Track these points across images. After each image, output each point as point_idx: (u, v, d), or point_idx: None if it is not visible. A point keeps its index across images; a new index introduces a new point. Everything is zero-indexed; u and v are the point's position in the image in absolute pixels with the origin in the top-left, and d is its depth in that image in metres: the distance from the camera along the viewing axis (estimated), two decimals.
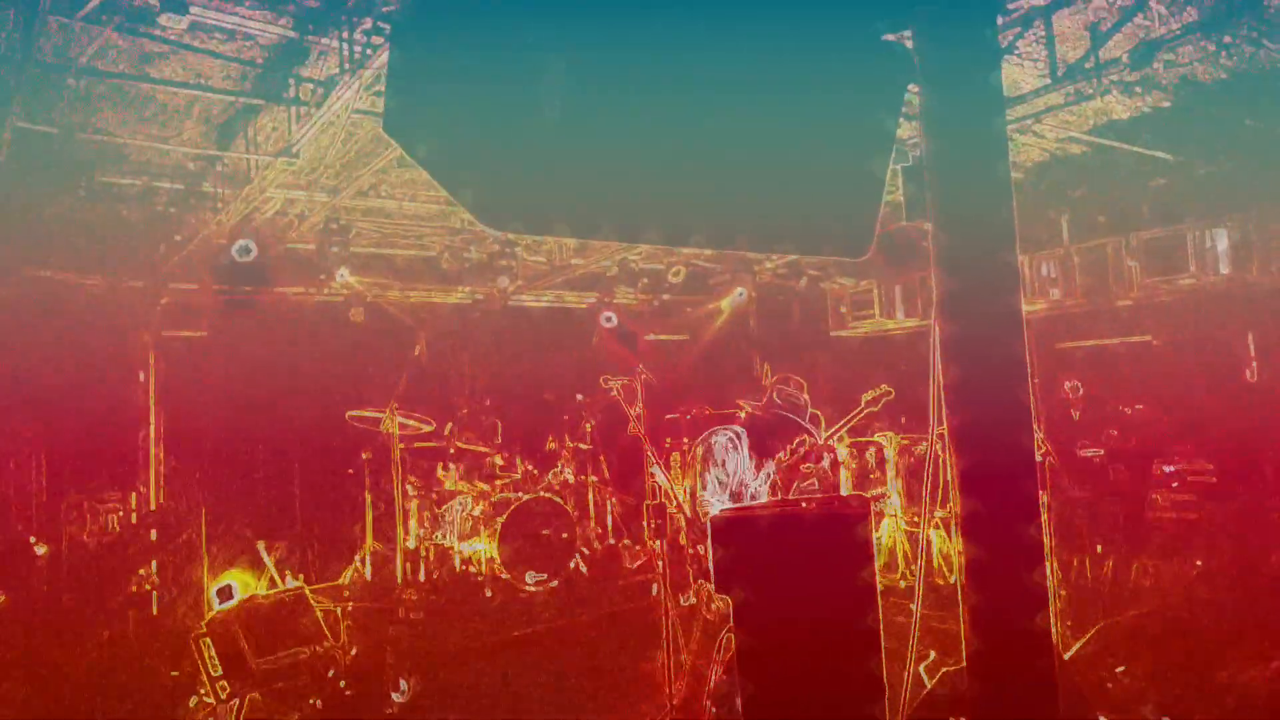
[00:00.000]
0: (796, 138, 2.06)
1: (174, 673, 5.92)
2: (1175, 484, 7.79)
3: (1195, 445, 8.00)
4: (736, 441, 6.08)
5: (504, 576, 7.77)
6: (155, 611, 7.53)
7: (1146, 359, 8.83)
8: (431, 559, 8.10)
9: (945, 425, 2.50)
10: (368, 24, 4.99)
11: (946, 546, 7.54)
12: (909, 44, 2.16)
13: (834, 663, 3.27)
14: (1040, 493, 2.69)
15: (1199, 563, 7.60)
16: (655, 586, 7.12)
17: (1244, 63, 6.00)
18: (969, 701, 2.47)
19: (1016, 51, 5.58)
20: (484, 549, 7.94)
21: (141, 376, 8.90)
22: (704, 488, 5.95)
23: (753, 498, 6.07)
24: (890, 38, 2.18)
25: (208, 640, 5.57)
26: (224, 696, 5.38)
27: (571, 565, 8.11)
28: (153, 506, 8.53)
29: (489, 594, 7.74)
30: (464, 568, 8.04)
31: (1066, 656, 4.86)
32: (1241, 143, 7.26)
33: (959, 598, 2.58)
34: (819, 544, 3.29)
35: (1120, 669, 4.98)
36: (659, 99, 1.92)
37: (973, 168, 2.27)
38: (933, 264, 2.34)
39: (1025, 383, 2.40)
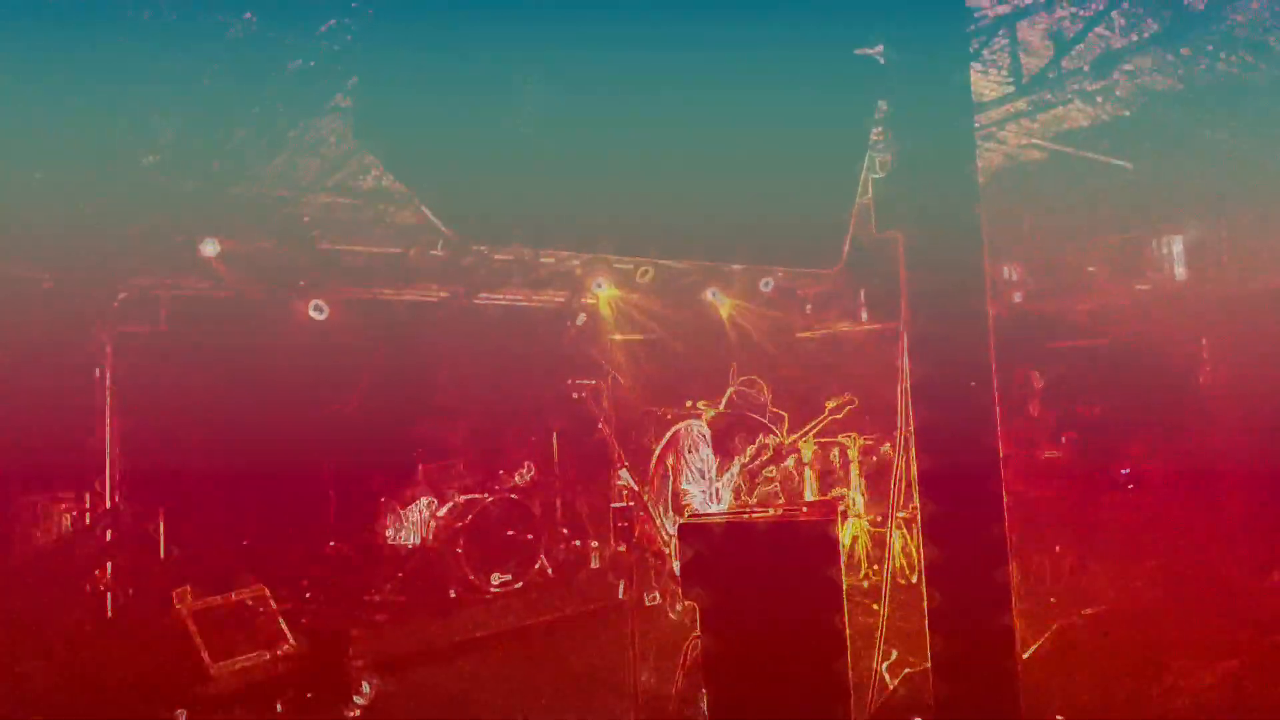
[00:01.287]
0: (769, 151, 2.07)
1: (129, 676, 5.80)
2: (1130, 485, 7.96)
3: (1150, 447, 8.17)
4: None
5: (469, 577, 7.73)
6: (110, 613, 7.38)
7: (1104, 362, 9.00)
8: (400, 559, 8.04)
9: (911, 426, 2.53)
10: (332, 23, 4.93)
11: (910, 546, 7.63)
12: (880, 59, 2.19)
13: (799, 664, 3.30)
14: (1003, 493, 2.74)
15: (1152, 563, 7.77)
16: (621, 587, 7.13)
17: (1200, 74, 6.14)
18: (933, 700, 2.51)
19: (981, 59, 5.65)
20: (449, 549, 7.89)
21: (98, 373, 8.71)
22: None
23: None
24: (863, 52, 2.20)
25: (165, 645, 5.48)
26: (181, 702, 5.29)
27: (537, 566, 8.08)
28: (108, 506, 8.36)
29: (453, 594, 7.70)
30: (430, 568, 7.99)
31: (1025, 656, 4.93)
32: (1197, 152, 7.43)
33: (923, 596, 2.61)
34: (785, 548, 3.31)
35: (1076, 669, 5.06)
36: (631, 113, 1.92)
37: (942, 175, 2.30)
38: (902, 267, 2.36)
39: (990, 384, 2.44)
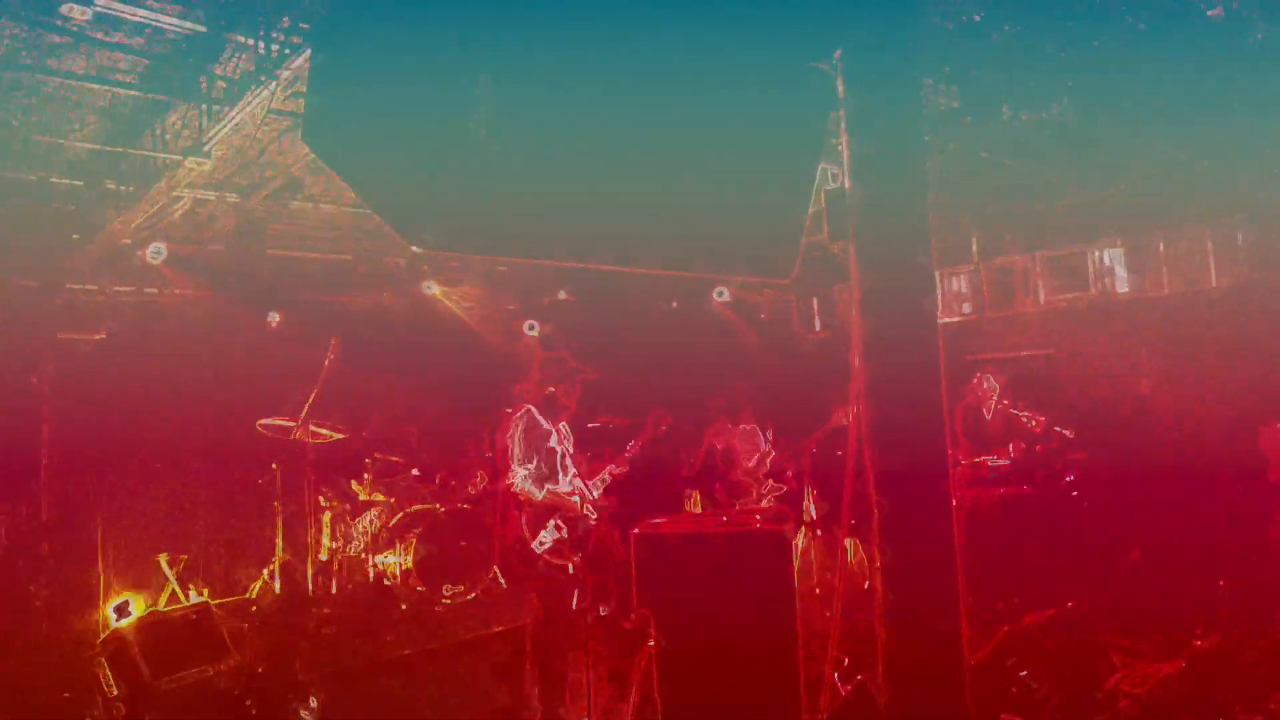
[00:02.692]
0: (723, 161, 2.08)
1: (66, 694, 5.62)
2: (1075, 493, 8.13)
3: (1095, 455, 8.37)
4: (536, 418, 6.11)
5: (419, 589, 7.62)
6: (46, 630, 7.14)
7: (1049, 372, 9.21)
8: (344, 571, 7.90)
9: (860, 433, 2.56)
10: (285, 23, 4.85)
11: (860, 554, 7.70)
12: (833, 72, 2.22)
13: (752, 667, 3.31)
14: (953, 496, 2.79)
15: (1097, 568, 7.93)
16: (575, 597, 7.08)
17: (1144, 90, 6.32)
18: (883, 697, 2.53)
19: (930, 72, 5.76)
20: (398, 561, 7.78)
21: (34, 380, 8.44)
22: (514, 462, 6.04)
23: (555, 479, 6.12)
24: (817, 64, 2.22)
25: (103, 660, 5.31)
26: (120, 717, 5.14)
27: (489, 577, 8.00)
28: (44, 517, 8.09)
29: (403, 606, 7.58)
30: (377, 580, 7.86)
31: (974, 661, 5.01)
32: (1142, 167, 7.65)
33: (878, 599, 2.64)
34: (738, 554, 3.32)
35: (1023, 673, 5.15)
36: (584, 120, 1.92)
37: (892, 186, 2.33)
38: (852, 269, 2.39)
39: (939, 383, 2.47)
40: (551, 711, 5.38)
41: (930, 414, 2.47)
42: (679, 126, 2.03)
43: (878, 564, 2.49)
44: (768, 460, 7.26)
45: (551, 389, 6.23)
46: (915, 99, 2.28)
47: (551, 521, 6.02)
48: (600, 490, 6.25)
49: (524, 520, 5.91)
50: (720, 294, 11.10)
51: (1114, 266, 8.14)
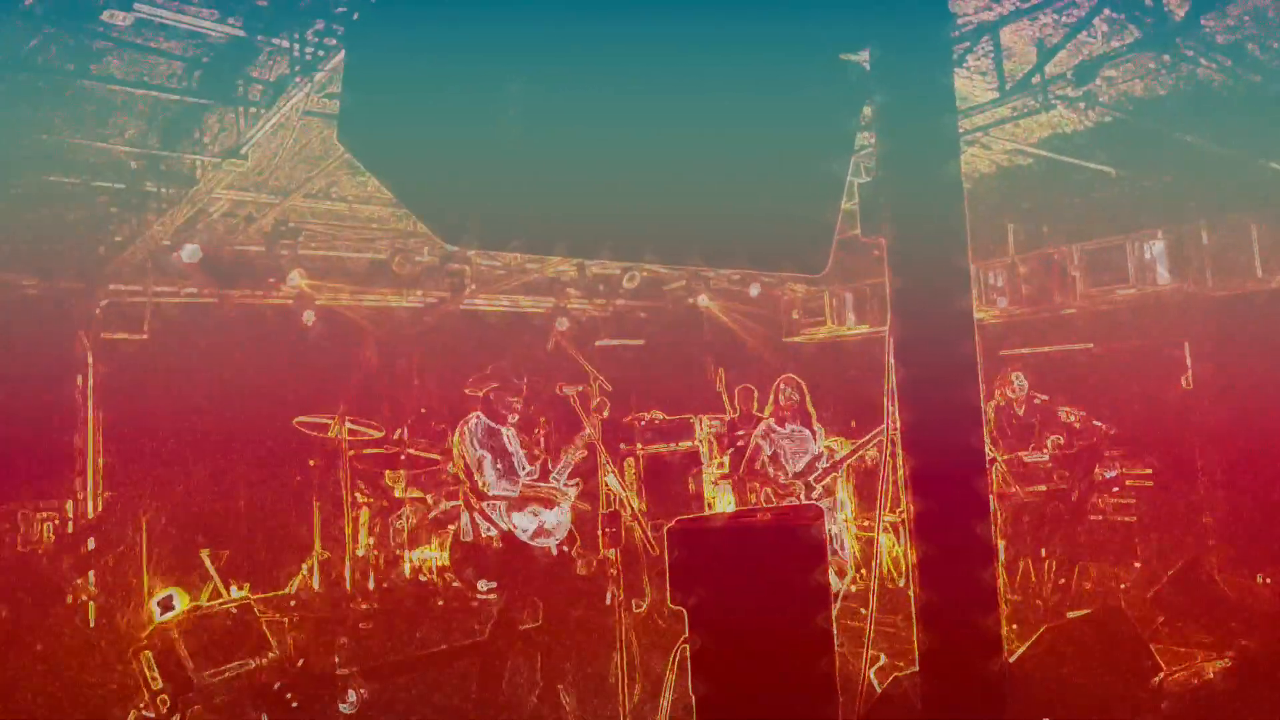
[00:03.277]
0: (755, 155, 2.07)
1: (112, 686, 5.75)
2: (1115, 489, 8.01)
3: (1134, 450, 8.23)
4: (482, 424, 6.23)
5: (455, 584, 7.68)
6: (92, 623, 7.30)
7: (1088, 366, 9.06)
8: (381, 567, 7.98)
9: (898, 429, 2.53)
10: (320, 25, 4.91)
11: (897, 550, 7.65)
12: (865, 63, 2.19)
13: (787, 665, 3.29)
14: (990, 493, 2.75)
15: (1137, 565, 7.81)
16: (610, 594, 7.10)
17: (1182, 80, 6.20)
18: (921, 699, 2.51)
19: (966, 65, 5.69)
20: (434, 556, 7.85)
21: (80, 380, 8.64)
22: (480, 472, 6.08)
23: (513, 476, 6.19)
24: (847, 57, 2.20)
25: (148, 653, 5.42)
26: (164, 710, 5.24)
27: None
28: (90, 515, 8.27)
29: (440, 602, 7.64)
30: (414, 575, 7.93)
31: (1012, 659, 4.95)
32: (1179, 158, 7.50)
33: (910, 597, 2.61)
34: (772, 551, 3.30)
35: (1064, 671, 5.07)
36: (618, 117, 1.92)
37: (926, 177, 2.30)
38: (887, 268, 2.37)
39: (976, 383, 2.44)
40: (584, 706, 5.40)
41: (966, 411, 2.44)
42: (709, 121, 2.02)
43: (914, 563, 2.46)
44: (819, 465, 7.09)
45: (578, 388, 6.27)
46: (949, 89, 2.25)
47: (529, 508, 6.10)
48: (566, 475, 6.33)
49: (502, 510, 6.02)
50: (756, 289, 11.06)
51: (1155, 260, 7.98)
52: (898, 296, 2.37)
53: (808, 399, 7.28)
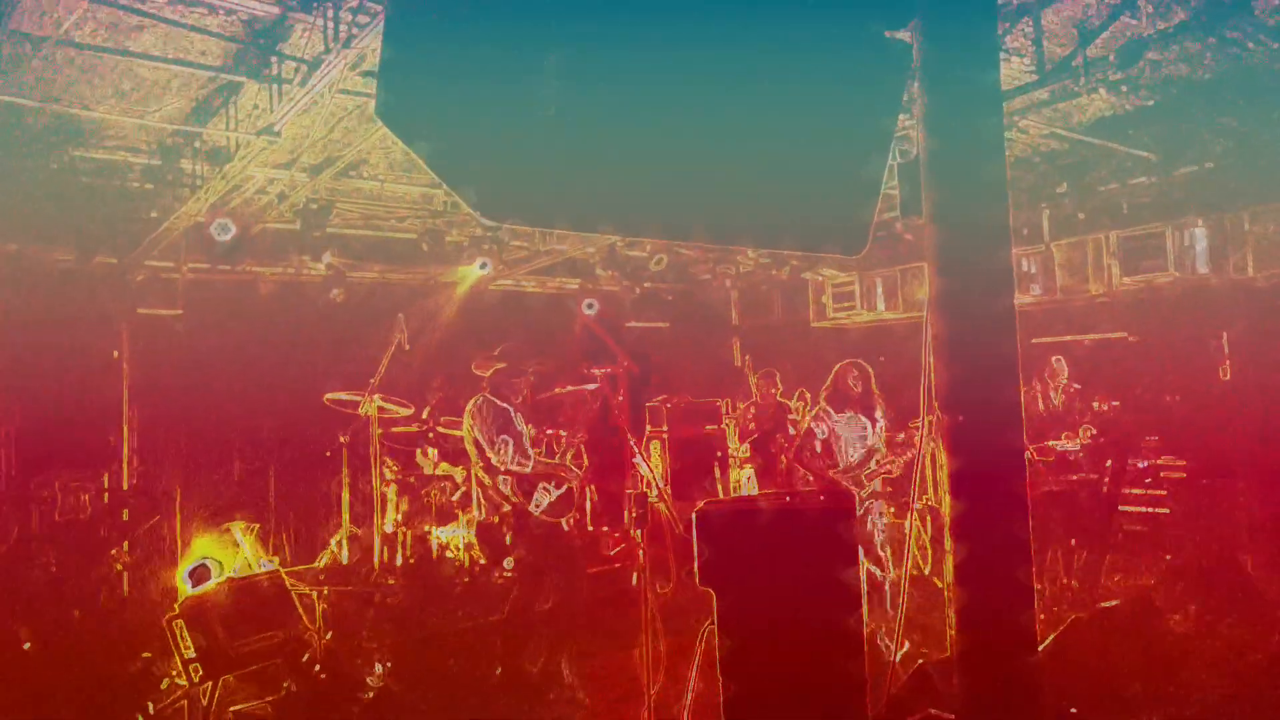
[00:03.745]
0: (795, 134, 2.04)
1: (146, 654, 5.86)
2: (1148, 480, 7.90)
3: (1168, 442, 8.11)
4: (494, 407, 6.35)
5: (480, 562, 7.74)
6: (127, 592, 7.44)
7: (1123, 356, 8.93)
8: (408, 543, 8.06)
9: (932, 417, 2.50)
10: (354, 2, 4.91)
11: (924, 538, 7.60)
12: (910, 40, 2.15)
13: (814, 648, 3.28)
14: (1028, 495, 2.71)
15: (1168, 557, 7.71)
16: (635, 576, 7.13)
17: (1228, 64, 6.05)
18: (958, 696, 2.49)
19: (1004, 47, 5.58)
20: (461, 534, 7.91)
21: (115, 354, 8.77)
22: (494, 450, 6.20)
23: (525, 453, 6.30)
24: (891, 34, 2.16)
25: (180, 622, 5.51)
26: (197, 679, 5.33)
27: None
28: (125, 486, 8.42)
29: (465, 579, 7.71)
30: (440, 552, 8.01)
31: (1039, 649, 4.91)
32: (1223, 143, 7.33)
33: (945, 596, 2.60)
34: (803, 537, 3.29)
35: (1090, 663, 5.03)
36: (657, 95, 1.89)
37: (970, 166, 2.26)
38: (928, 262, 2.33)
39: (1016, 383, 2.41)
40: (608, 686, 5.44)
41: (1007, 414, 2.40)
42: (752, 101, 1.99)
43: (955, 558, 2.44)
44: (874, 459, 6.68)
45: (604, 370, 6.31)
46: (994, 70, 2.20)
47: (540, 485, 6.16)
48: (571, 455, 6.42)
49: (513, 485, 6.11)
50: (783, 273, 10.98)
51: (1195, 247, 7.82)
52: (939, 294, 2.33)
53: (873, 385, 6.90)
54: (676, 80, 1.92)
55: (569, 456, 6.74)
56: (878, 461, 6.64)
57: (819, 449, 6.64)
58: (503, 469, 6.17)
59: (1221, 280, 7.87)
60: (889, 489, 6.88)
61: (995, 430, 2.32)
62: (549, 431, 7.50)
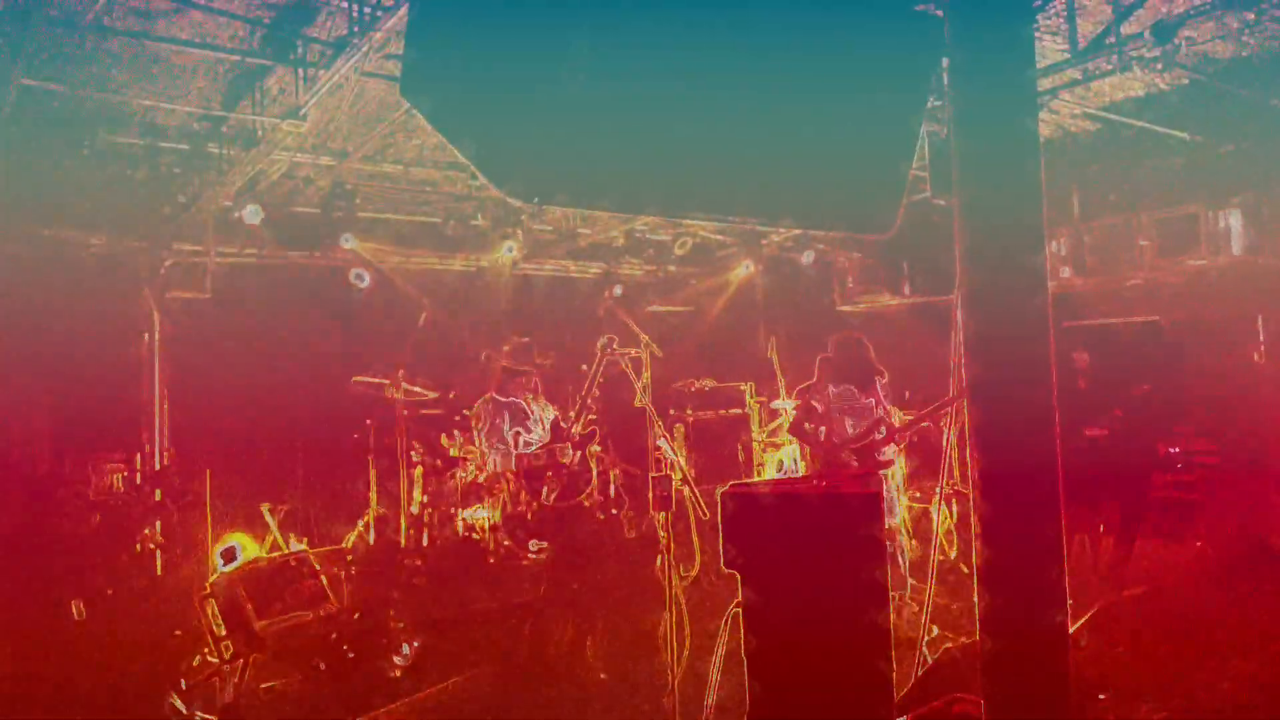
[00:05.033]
0: (825, 111, 2.01)
1: (177, 631, 5.95)
2: (1179, 465, 7.79)
3: (1200, 426, 7.98)
4: (500, 408, 6.49)
5: (506, 543, 7.79)
6: (159, 571, 7.56)
7: (1154, 339, 8.79)
8: (434, 525, 8.12)
9: (957, 401, 2.47)
10: None
11: (948, 523, 7.55)
12: (940, 14, 2.10)
13: (840, 632, 3.26)
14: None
15: (1198, 544, 7.61)
16: (660, 558, 7.13)
17: (1267, 41, 5.91)
18: (983, 702, 2.47)
19: (1037, 24, 5.49)
20: (486, 515, 7.96)
21: (146, 337, 8.89)
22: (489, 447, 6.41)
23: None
24: (923, 8, 2.12)
25: (212, 601, 5.60)
26: (228, 656, 5.42)
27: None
28: (157, 467, 8.55)
29: (491, 560, 7.76)
30: (466, 534, 8.06)
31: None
32: (1260, 123, 7.17)
33: (964, 571, 2.57)
34: (829, 524, 3.27)
35: (1119, 649, 4.99)
36: (686, 70, 1.88)
37: (1002, 140, 2.21)
38: (958, 260, 2.30)
39: (1049, 383, 2.37)
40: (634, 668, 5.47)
41: (1040, 414, 2.36)
42: (776, 74, 1.97)
43: (980, 561, 2.40)
44: (879, 431, 6.71)
45: (629, 352, 6.34)
46: (1028, 44, 2.15)
47: (548, 473, 6.26)
48: (581, 427, 6.47)
49: (524, 481, 6.22)
50: (809, 256, 10.91)
51: (1230, 229, 7.67)
52: (969, 292, 2.29)
53: (871, 356, 6.84)
54: (705, 57, 1.90)
55: (577, 427, 6.71)
56: (883, 434, 6.64)
57: (815, 422, 6.71)
58: (486, 468, 6.28)
59: (1255, 263, 7.72)
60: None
61: (1027, 431, 2.29)
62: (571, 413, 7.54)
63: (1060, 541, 2.47)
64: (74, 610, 6.45)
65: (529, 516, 6.53)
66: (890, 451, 6.80)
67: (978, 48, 2.07)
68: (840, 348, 6.83)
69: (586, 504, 6.53)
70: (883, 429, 6.65)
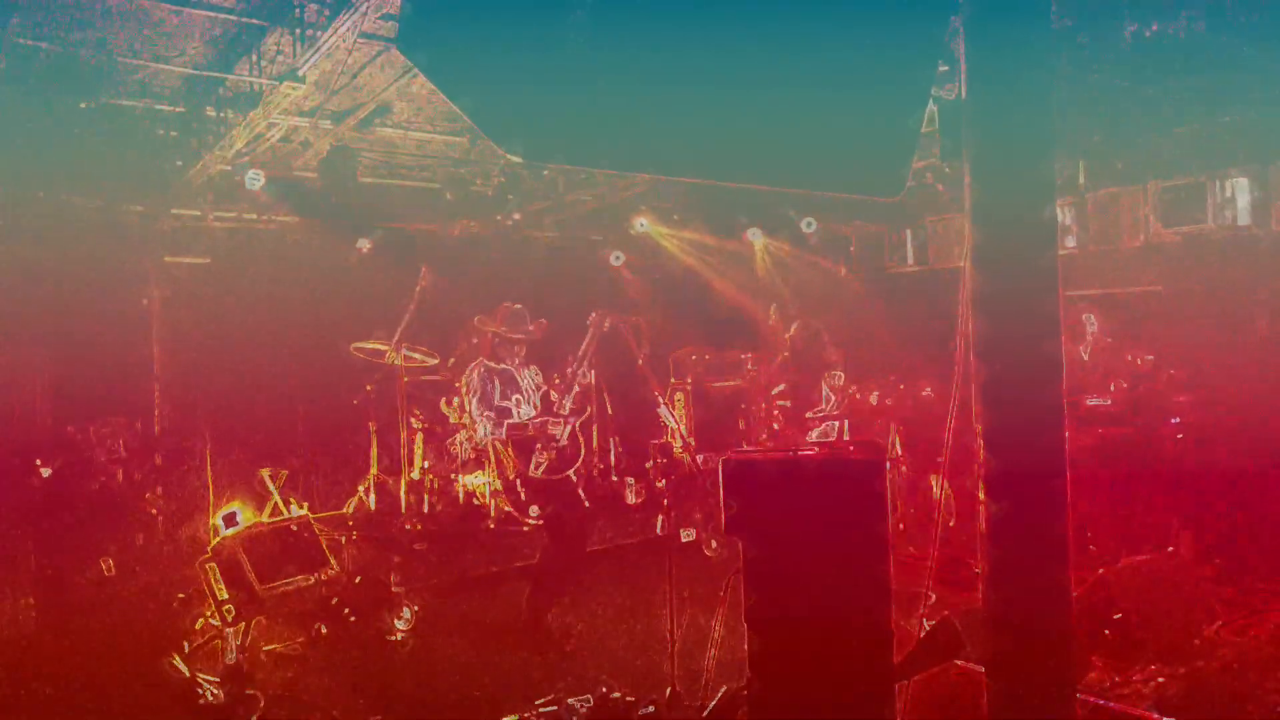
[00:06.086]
0: (833, 74, 1.97)
1: (180, 595, 5.99)
2: (1180, 435, 7.78)
3: (1203, 397, 7.96)
4: (491, 375, 6.38)
5: (505, 509, 7.81)
6: (161, 534, 7.60)
7: (1158, 309, 8.75)
8: (435, 490, 8.14)
9: (962, 378, 2.45)
10: None
11: (947, 491, 7.55)
12: None
13: (842, 600, 3.27)
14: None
15: (1200, 514, 7.62)
16: (660, 522, 7.17)
17: (1273, 6, 5.81)
18: (985, 648, 2.47)
19: None
20: (486, 481, 7.98)
21: (145, 301, 8.86)
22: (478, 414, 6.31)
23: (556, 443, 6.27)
24: None
25: (213, 565, 5.62)
26: (230, 620, 5.45)
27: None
28: (157, 431, 8.56)
29: (490, 525, 7.80)
30: (466, 499, 8.09)
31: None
32: (1269, 90, 7.07)
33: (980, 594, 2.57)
34: (831, 492, 3.27)
35: (1117, 616, 5.01)
36: (692, 31, 1.83)
37: (1015, 104, 2.16)
38: (966, 258, 2.27)
39: (1059, 382, 2.35)
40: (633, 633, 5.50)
41: (1050, 415, 2.34)
42: (781, 32, 1.92)
43: (985, 561, 2.39)
44: (833, 402, 6.90)
45: (630, 320, 6.30)
46: (1044, 4, 2.10)
47: (536, 446, 6.22)
48: (571, 403, 6.43)
49: (512, 450, 6.17)
50: (810, 224, 10.81)
51: (1237, 199, 7.60)
52: (981, 293, 2.25)
53: (827, 350, 7.10)
54: (712, 17, 1.85)
55: (568, 402, 6.70)
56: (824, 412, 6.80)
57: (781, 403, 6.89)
58: (476, 438, 6.23)
59: (1262, 233, 7.66)
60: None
61: (1036, 432, 2.27)
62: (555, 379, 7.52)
63: (1067, 540, 2.45)
64: (103, 566, 6.52)
65: (519, 487, 6.55)
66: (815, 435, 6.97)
67: (990, 4, 2.02)
68: (801, 332, 7.05)
69: (574, 478, 6.51)
70: (813, 432, 6.86)
